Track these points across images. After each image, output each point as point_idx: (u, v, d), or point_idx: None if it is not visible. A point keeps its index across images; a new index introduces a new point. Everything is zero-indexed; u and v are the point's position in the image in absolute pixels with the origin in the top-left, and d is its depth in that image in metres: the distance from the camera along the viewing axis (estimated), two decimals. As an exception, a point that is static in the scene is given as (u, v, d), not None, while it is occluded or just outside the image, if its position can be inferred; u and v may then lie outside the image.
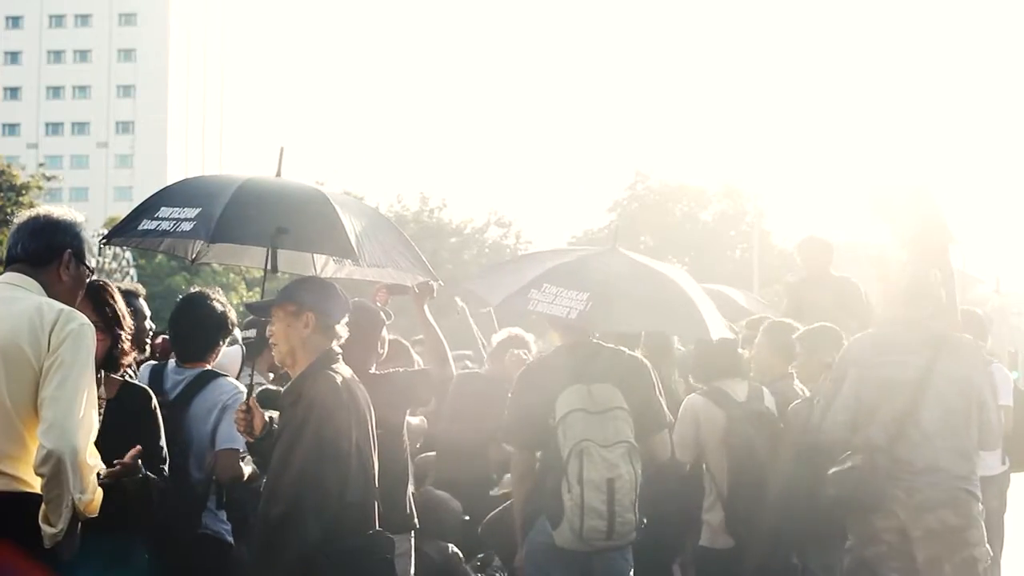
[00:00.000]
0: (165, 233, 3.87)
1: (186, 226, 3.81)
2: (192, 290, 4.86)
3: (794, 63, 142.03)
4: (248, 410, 3.89)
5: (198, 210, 3.81)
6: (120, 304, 3.95)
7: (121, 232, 4.14)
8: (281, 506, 3.56)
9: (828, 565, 5.20)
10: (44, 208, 3.50)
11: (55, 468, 3.05)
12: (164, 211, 3.87)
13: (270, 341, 3.94)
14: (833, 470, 4.72)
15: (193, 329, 4.58)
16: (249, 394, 3.97)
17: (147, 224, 3.89)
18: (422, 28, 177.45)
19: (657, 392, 4.76)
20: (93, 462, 3.16)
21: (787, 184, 74.44)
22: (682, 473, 5.41)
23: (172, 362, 4.60)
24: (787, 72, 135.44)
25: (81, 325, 3.23)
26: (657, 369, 5.07)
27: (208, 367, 4.58)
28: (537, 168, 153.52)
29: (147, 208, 4.00)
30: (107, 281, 4.07)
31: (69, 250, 3.41)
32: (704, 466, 5.46)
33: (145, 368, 4.63)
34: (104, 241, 4.22)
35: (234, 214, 3.84)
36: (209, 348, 4.61)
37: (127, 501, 3.47)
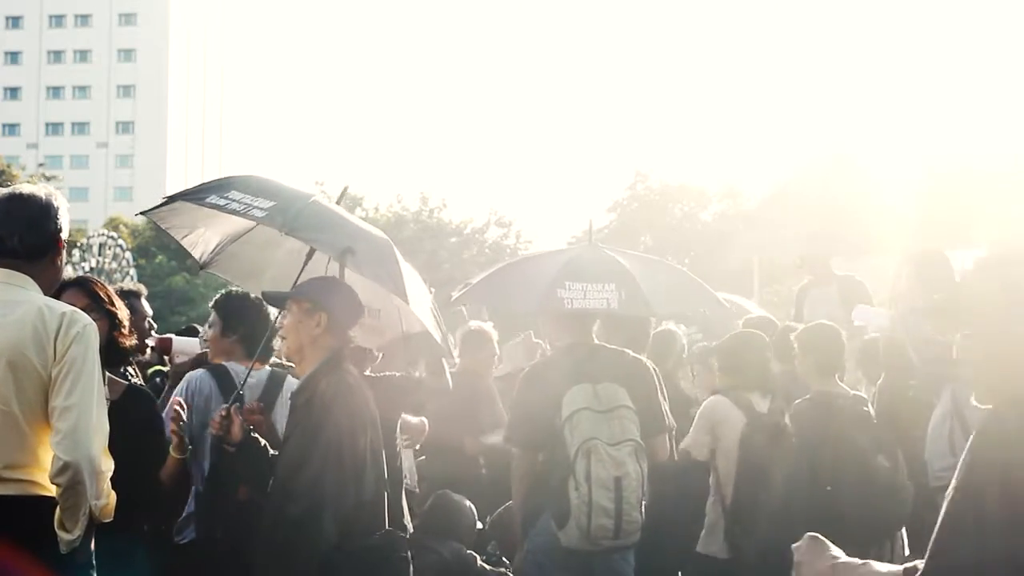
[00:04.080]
0: (234, 211, 3.80)
1: (258, 212, 3.76)
2: (233, 290, 4.76)
3: (794, 63, 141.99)
4: (228, 416, 3.89)
5: (273, 203, 3.77)
6: (107, 290, 3.98)
7: (187, 195, 4.06)
8: (299, 505, 3.55)
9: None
10: (24, 192, 3.31)
11: (72, 479, 3.02)
12: (235, 194, 3.82)
13: (279, 333, 3.95)
14: None
15: (265, 330, 4.50)
16: (232, 401, 3.99)
17: (216, 199, 3.83)
18: (422, 28, 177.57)
19: (660, 395, 4.76)
20: (107, 467, 3.14)
21: (787, 184, 74.16)
22: (681, 473, 5.41)
23: (233, 364, 4.55)
24: (787, 72, 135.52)
25: (85, 327, 3.17)
26: (661, 369, 5.07)
27: (269, 366, 4.60)
28: (537, 168, 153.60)
29: (216, 187, 3.94)
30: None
31: (61, 234, 3.33)
32: (711, 471, 5.47)
33: (205, 376, 4.52)
34: (167, 199, 4.11)
35: (313, 215, 3.84)
36: (273, 348, 4.60)
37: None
